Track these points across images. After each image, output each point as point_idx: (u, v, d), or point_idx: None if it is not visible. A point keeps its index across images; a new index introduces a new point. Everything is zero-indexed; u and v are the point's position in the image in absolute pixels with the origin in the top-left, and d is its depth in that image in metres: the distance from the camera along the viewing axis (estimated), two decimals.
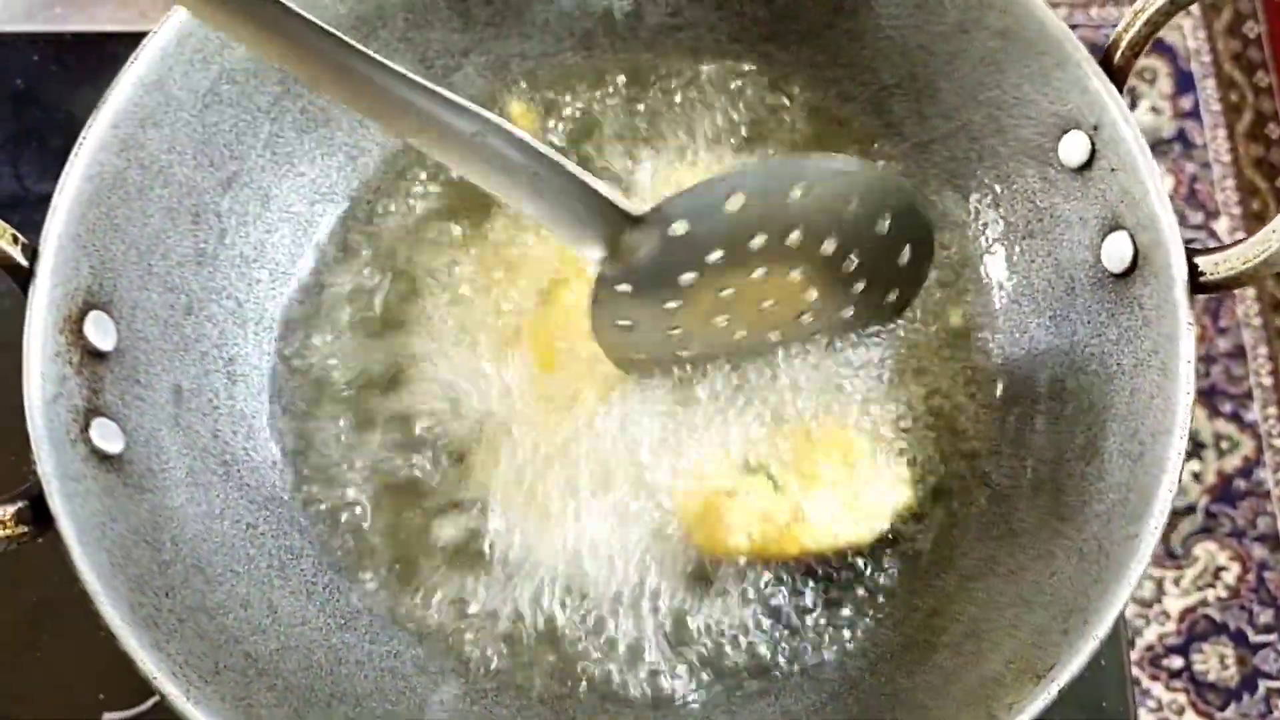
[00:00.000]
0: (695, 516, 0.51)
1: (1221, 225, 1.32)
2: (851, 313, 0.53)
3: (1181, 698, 1.14)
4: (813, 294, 0.51)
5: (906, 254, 0.51)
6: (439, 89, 0.42)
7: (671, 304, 0.49)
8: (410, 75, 0.42)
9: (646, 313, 0.49)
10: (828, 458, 0.51)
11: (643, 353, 0.52)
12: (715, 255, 0.48)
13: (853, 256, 0.50)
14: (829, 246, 0.49)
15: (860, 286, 0.52)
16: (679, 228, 0.46)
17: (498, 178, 0.44)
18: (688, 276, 0.48)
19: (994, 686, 0.43)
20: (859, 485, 0.51)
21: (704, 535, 0.51)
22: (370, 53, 0.41)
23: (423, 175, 0.58)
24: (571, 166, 0.44)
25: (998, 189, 0.55)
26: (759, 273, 0.49)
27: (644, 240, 0.46)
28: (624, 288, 0.48)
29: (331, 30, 0.41)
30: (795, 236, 0.48)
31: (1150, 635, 1.16)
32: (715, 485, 0.51)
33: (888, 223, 0.49)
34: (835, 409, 0.53)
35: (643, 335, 0.50)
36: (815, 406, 0.53)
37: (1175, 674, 1.15)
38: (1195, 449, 1.23)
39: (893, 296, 0.53)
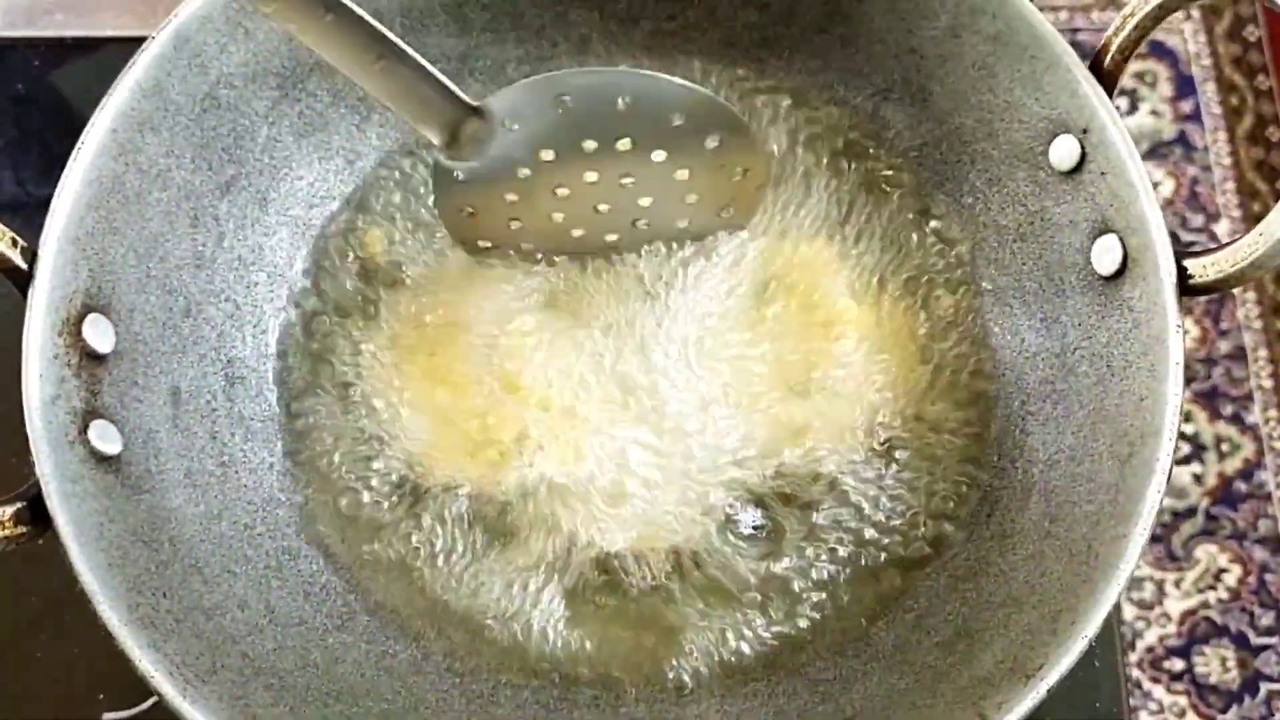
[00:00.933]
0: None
1: (1222, 228, 1.32)
2: (686, 224, 0.55)
3: (1183, 700, 1.14)
4: (646, 201, 0.53)
5: (738, 173, 0.53)
6: None
7: (509, 196, 0.53)
8: None
9: (485, 202, 0.53)
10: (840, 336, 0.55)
11: (488, 240, 0.55)
12: (547, 154, 0.51)
13: (683, 169, 0.52)
14: (658, 156, 0.52)
15: (693, 199, 0.54)
16: (510, 123, 0.50)
17: (349, 58, 0.47)
18: (522, 171, 0.52)
19: (984, 686, 0.43)
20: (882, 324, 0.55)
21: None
22: None
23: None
24: (416, 56, 0.48)
25: (989, 192, 0.55)
26: (591, 176, 0.52)
27: (479, 132, 0.50)
28: (462, 176, 0.52)
29: None
30: (625, 144, 0.51)
31: (1151, 637, 1.16)
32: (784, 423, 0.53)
33: (716, 141, 0.52)
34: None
35: (485, 223, 0.54)
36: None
37: (1176, 676, 1.15)
38: (1196, 451, 1.23)
39: (729, 212, 0.55)
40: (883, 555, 0.52)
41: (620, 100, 0.49)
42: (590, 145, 0.51)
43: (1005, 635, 0.46)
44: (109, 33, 0.73)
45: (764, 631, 0.51)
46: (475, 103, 0.49)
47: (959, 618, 0.49)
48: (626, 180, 0.52)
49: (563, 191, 0.53)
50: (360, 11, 0.46)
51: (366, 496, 0.53)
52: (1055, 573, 0.46)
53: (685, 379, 0.54)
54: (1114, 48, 0.49)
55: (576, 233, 0.55)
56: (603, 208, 0.54)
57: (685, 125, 0.51)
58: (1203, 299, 1.28)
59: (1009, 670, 0.43)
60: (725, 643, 0.51)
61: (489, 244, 0.56)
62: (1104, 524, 0.45)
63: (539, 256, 0.56)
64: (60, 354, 0.46)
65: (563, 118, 0.50)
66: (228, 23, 0.52)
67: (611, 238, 0.55)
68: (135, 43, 0.51)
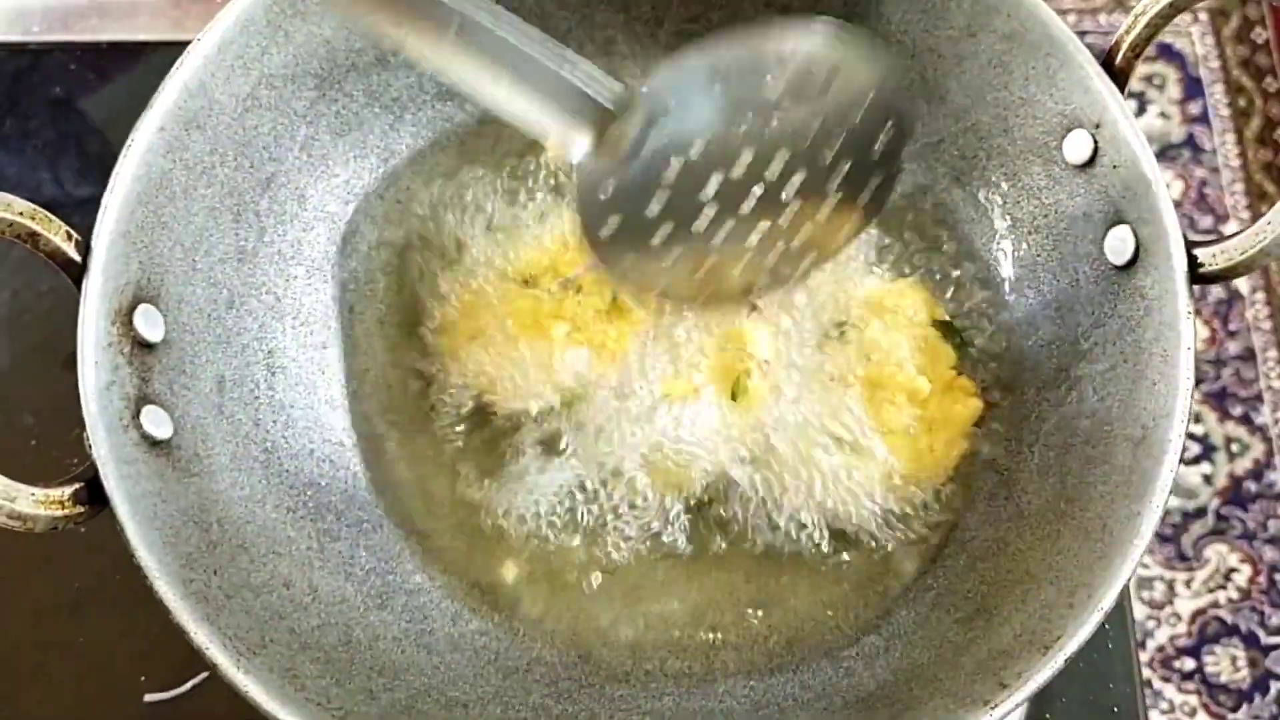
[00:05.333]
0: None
1: (1230, 229, 1.33)
2: (829, 210, 0.50)
3: (1193, 699, 1.14)
4: (793, 184, 0.49)
5: (883, 139, 0.49)
6: None
7: (655, 202, 0.49)
8: None
9: (630, 216, 0.49)
10: (895, 403, 0.54)
11: (631, 267, 0.51)
12: (698, 147, 0.48)
13: (833, 141, 0.48)
14: (811, 128, 0.48)
15: (841, 173, 0.50)
16: (663, 113, 0.46)
17: (477, 80, 0.44)
18: (670, 171, 0.48)
19: (1004, 658, 0.45)
20: (932, 415, 0.54)
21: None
22: None
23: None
24: (558, 56, 0.44)
25: (1005, 186, 0.57)
26: (741, 166, 0.48)
27: (630, 128, 0.46)
28: (608, 190, 0.48)
29: None
30: (776, 120, 0.47)
31: (1161, 636, 1.17)
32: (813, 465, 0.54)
33: (868, 102, 0.48)
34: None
35: (629, 245, 0.50)
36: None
37: (1187, 675, 1.15)
38: (1206, 452, 1.24)
39: (871, 187, 0.51)
40: (904, 537, 0.54)
41: (770, 74, 0.45)
42: (742, 128, 0.47)
43: (1023, 610, 0.47)
44: (143, 37, 0.74)
45: (790, 610, 0.53)
46: (626, 91, 0.45)
47: (978, 595, 0.50)
48: (775, 166, 0.48)
49: (710, 188, 0.48)
50: (507, 21, 0.43)
51: (403, 482, 0.55)
52: (1071, 550, 0.47)
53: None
54: (1125, 45, 0.51)
55: (717, 237, 0.50)
56: (747, 207, 0.49)
57: (837, 90, 0.47)
58: (1211, 301, 1.30)
59: (1027, 643, 0.44)
60: (751, 622, 0.52)
61: (632, 268, 0.51)
62: (1118, 503, 0.47)
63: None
64: (113, 342, 0.47)
65: (715, 101, 0.46)
66: (269, 25, 0.54)
67: (756, 237, 0.51)
68: (169, 47, 0.53)
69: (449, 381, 0.56)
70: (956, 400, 0.54)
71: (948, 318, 0.56)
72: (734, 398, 0.54)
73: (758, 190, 0.49)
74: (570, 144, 0.47)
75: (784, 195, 0.49)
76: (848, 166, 0.50)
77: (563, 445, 0.55)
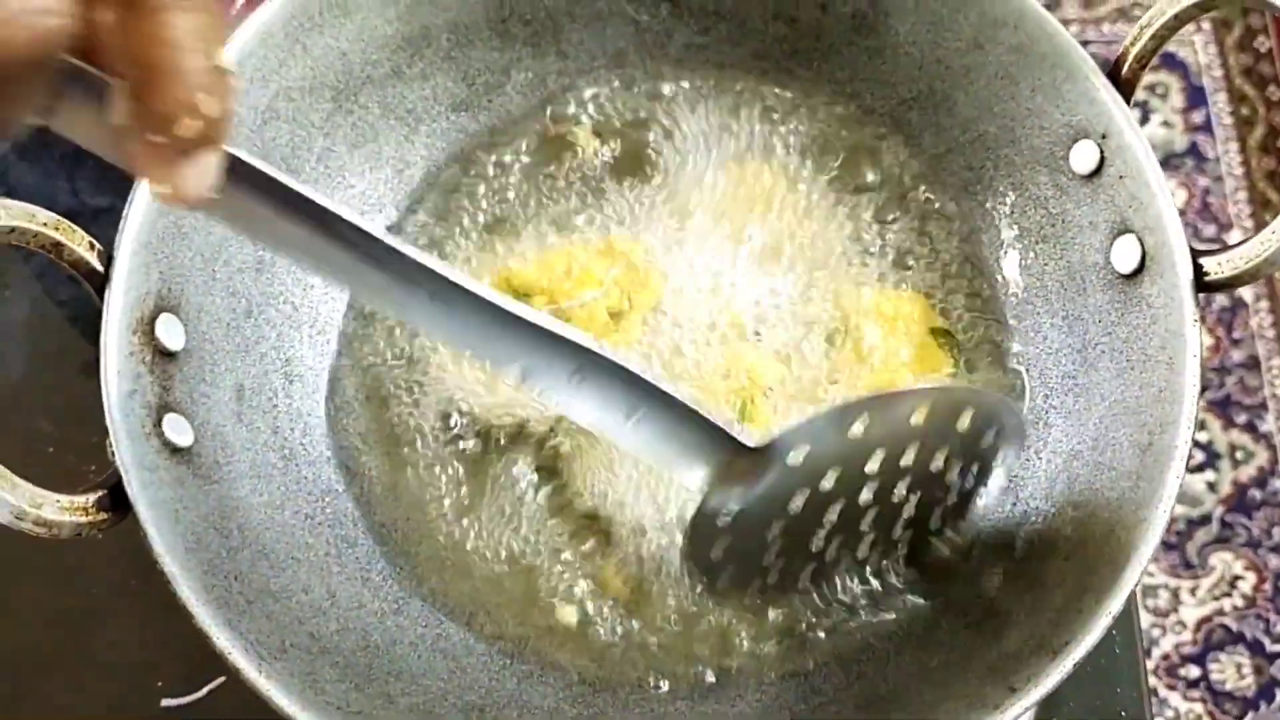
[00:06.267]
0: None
1: (1234, 238, 1.33)
2: (938, 516, 0.51)
3: (1199, 707, 1.15)
4: (910, 504, 0.50)
5: (994, 456, 0.50)
6: (536, 316, 0.42)
7: (774, 528, 0.48)
8: (509, 304, 0.42)
9: (744, 540, 0.48)
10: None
11: (726, 580, 0.50)
12: (829, 478, 0.47)
13: (955, 463, 0.49)
14: (939, 459, 0.48)
15: (953, 482, 0.50)
16: (797, 456, 0.45)
17: (596, 413, 0.44)
18: (796, 501, 0.47)
19: (1012, 662, 0.45)
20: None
21: None
22: (472, 283, 0.41)
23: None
24: (681, 396, 0.43)
25: (1012, 196, 0.57)
26: (868, 492, 0.48)
27: (756, 467, 0.45)
28: (725, 518, 0.47)
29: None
30: (910, 455, 0.47)
31: (1167, 645, 1.17)
32: None
33: (993, 433, 0.49)
34: None
35: (732, 562, 0.49)
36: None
37: (1192, 683, 1.16)
38: (1210, 460, 1.24)
39: (969, 484, 0.51)
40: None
41: (918, 413, 0.46)
42: (876, 462, 0.47)
43: (1032, 615, 0.47)
44: None
45: (801, 616, 0.53)
46: (754, 443, 0.45)
47: (986, 600, 0.51)
48: (900, 489, 0.49)
49: (832, 513, 0.48)
50: (623, 362, 0.43)
51: (417, 489, 0.56)
52: (1079, 556, 0.48)
53: None
54: (1131, 56, 0.51)
55: (830, 552, 0.50)
56: (866, 521, 0.49)
57: (970, 424, 0.47)
58: (1216, 309, 1.30)
59: (1036, 647, 0.45)
60: (762, 627, 0.53)
61: (726, 584, 0.51)
62: (1125, 509, 0.47)
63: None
64: (135, 351, 0.48)
65: (855, 439, 0.45)
66: (287, 38, 0.54)
67: (862, 549, 0.51)
68: None
69: (456, 391, 0.57)
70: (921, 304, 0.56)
71: (945, 326, 0.57)
72: (741, 421, 0.54)
73: (871, 516, 0.49)
74: (687, 475, 0.47)
75: (903, 512, 0.50)
76: (956, 477, 0.50)
77: (566, 461, 0.55)
